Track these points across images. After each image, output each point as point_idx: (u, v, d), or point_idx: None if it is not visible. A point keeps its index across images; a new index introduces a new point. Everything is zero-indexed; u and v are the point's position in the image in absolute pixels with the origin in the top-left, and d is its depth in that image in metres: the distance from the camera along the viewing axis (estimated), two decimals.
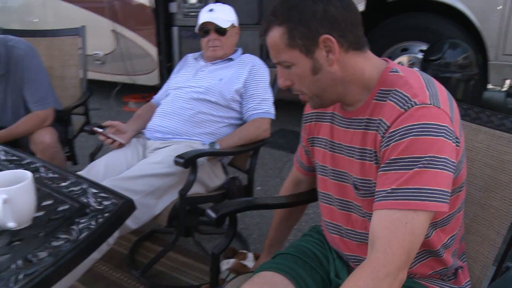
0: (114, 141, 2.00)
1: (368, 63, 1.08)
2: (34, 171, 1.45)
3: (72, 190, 1.31)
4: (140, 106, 4.82)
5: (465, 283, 1.19)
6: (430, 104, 0.97)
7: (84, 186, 1.33)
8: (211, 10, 2.16)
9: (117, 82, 4.80)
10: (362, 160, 1.09)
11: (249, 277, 1.32)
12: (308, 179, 1.48)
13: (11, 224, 1.07)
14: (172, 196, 1.88)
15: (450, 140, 0.96)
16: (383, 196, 0.97)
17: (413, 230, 0.93)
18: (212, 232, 2.52)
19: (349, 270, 1.24)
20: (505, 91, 3.38)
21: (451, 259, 1.15)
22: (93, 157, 2.16)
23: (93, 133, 2.07)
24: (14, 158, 1.55)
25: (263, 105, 2.10)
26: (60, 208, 1.21)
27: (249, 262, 1.82)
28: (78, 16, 4.64)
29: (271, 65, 2.26)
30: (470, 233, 1.27)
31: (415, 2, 3.49)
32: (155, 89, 4.96)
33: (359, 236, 1.17)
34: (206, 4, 3.93)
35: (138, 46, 4.42)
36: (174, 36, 4.28)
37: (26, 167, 1.48)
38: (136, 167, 1.88)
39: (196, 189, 1.92)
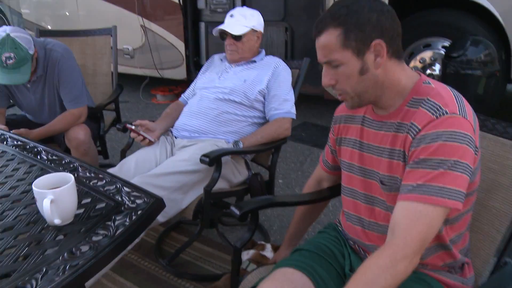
0: (145, 138, 2.13)
1: (404, 73, 1.21)
2: (73, 170, 1.59)
3: (108, 189, 1.44)
4: (168, 99, 5.02)
5: (469, 276, 1.30)
6: (459, 114, 1.10)
7: (118, 185, 1.46)
8: (231, 15, 2.28)
9: (145, 76, 4.95)
10: (390, 159, 1.21)
11: (268, 269, 1.43)
12: (330, 178, 1.61)
13: (57, 221, 1.21)
14: (197, 192, 2.01)
15: (471, 148, 1.09)
16: (409, 189, 1.10)
17: (431, 222, 1.07)
18: (234, 224, 2.65)
19: None
20: None
21: (459, 254, 1.25)
22: (124, 153, 2.30)
23: (125, 130, 2.21)
24: (54, 158, 1.70)
25: (285, 105, 2.20)
26: (98, 206, 1.34)
27: (268, 252, 1.94)
28: (109, 11, 4.79)
29: (293, 67, 2.36)
30: (473, 231, 1.36)
31: None
32: (182, 83, 5.13)
33: (381, 228, 1.28)
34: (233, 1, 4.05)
35: (166, 41, 4.55)
36: (201, 32, 4.41)
37: (65, 166, 1.62)
38: (165, 165, 2.01)
39: (220, 185, 2.04)
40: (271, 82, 2.23)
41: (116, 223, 1.25)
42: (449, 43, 3.40)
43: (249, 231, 1.56)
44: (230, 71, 2.31)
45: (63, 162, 1.66)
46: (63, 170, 1.58)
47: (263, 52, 2.39)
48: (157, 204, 1.36)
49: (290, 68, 2.32)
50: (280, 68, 2.27)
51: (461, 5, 3.45)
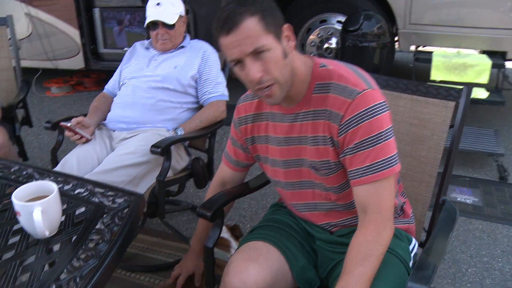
0: (81, 137, 2.03)
1: (299, 60, 1.24)
2: (29, 177, 1.49)
3: (80, 192, 1.38)
4: (64, 90, 4.74)
5: (411, 214, 1.47)
6: (368, 89, 1.18)
7: (89, 187, 1.41)
8: (158, 4, 2.20)
9: (36, 68, 4.58)
10: (316, 145, 1.26)
11: None
12: (235, 177, 1.59)
13: (47, 233, 1.14)
14: (147, 183, 1.98)
15: (388, 110, 1.20)
16: (361, 173, 1.18)
17: (390, 191, 1.20)
18: (173, 211, 2.65)
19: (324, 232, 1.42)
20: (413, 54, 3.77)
21: (397, 200, 1.39)
22: (54, 152, 2.16)
23: (55, 128, 2.08)
24: (1, 166, 1.56)
25: (218, 88, 2.23)
26: (78, 211, 1.29)
27: (224, 234, 1.99)
28: None
29: (219, 49, 2.38)
30: (408, 179, 1.56)
31: None
32: (77, 73, 4.83)
33: (326, 206, 1.37)
34: None
35: (57, 30, 4.22)
36: (95, 18, 4.17)
37: (17, 174, 1.50)
38: (111, 160, 1.94)
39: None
40: (201, 67, 2.24)
41: (107, 225, 1.21)
42: (345, 19, 3.65)
43: (217, 228, 1.52)
44: (158, 59, 2.26)
45: (12, 170, 1.54)
46: (17, 179, 1.48)
47: (188, 36, 2.37)
48: (138, 199, 1.33)
49: (216, 51, 2.34)
50: (209, 52, 2.29)
51: None
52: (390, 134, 1.19)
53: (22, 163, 1.58)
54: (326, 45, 3.90)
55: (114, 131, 2.15)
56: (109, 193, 1.37)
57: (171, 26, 2.20)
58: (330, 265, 1.37)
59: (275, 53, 1.15)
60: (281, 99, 1.22)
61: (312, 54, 3.90)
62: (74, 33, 4.18)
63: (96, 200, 1.34)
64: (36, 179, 1.47)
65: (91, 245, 1.14)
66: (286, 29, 1.18)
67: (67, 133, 2.03)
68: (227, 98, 2.26)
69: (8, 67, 2.75)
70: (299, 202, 1.41)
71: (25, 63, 4.44)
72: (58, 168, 1.94)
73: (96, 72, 4.92)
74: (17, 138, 2.52)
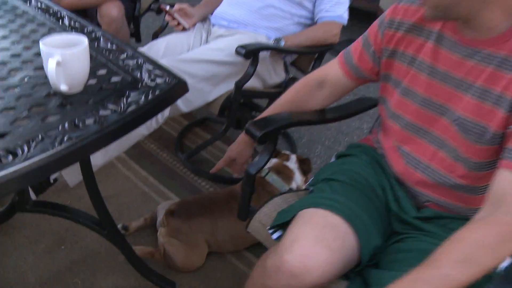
0: (179, 24, 1.96)
1: None
2: (94, 39, 1.44)
3: (127, 63, 1.29)
4: None
5: None
6: None
7: (140, 60, 1.30)
8: None
9: None
10: (481, 100, 0.96)
11: (287, 200, 1.27)
12: (337, 83, 1.29)
13: (63, 87, 1.07)
14: (228, 86, 1.87)
15: None
16: None
17: None
18: None
19: (417, 206, 1.13)
20: None
21: None
22: (156, 36, 2.18)
23: (160, 11, 2.04)
24: (77, 25, 1.54)
25: (337, 8, 1.95)
26: (113, 79, 1.20)
27: (292, 163, 1.80)
28: None
29: None
30: None
31: None
32: None
33: (441, 178, 1.06)
34: None
35: None
36: None
37: (87, 35, 1.45)
38: (197, 51, 1.86)
39: (253, 83, 1.89)
40: None
41: (129, 100, 1.10)
42: None
43: (265, 155, 1.31)
44: None
45: (85, 30, 1.50)
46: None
47: None
48: (179, 86, 1.20)
49: None
50: None
51: None
52: None
53: (96, 27, 1.53)
54: None
55: (214, 26, 2.04)
56: (156, 71, 1.26)
57: None
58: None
59: None
60: (438, 19, 0.99)
61: None
62: None
63: (138, 74, 1.23)
64: (99, 43, 1.41)
65: (103, 112, 1.05)
66: None
67: (166, 17, 2.00)
68: (344, 22, 1.98)
69: None
70: (411, 153, 1.12)
71: None
72: (145, 48, 1.93)
73: None
74: (135, 18, 2.54)
